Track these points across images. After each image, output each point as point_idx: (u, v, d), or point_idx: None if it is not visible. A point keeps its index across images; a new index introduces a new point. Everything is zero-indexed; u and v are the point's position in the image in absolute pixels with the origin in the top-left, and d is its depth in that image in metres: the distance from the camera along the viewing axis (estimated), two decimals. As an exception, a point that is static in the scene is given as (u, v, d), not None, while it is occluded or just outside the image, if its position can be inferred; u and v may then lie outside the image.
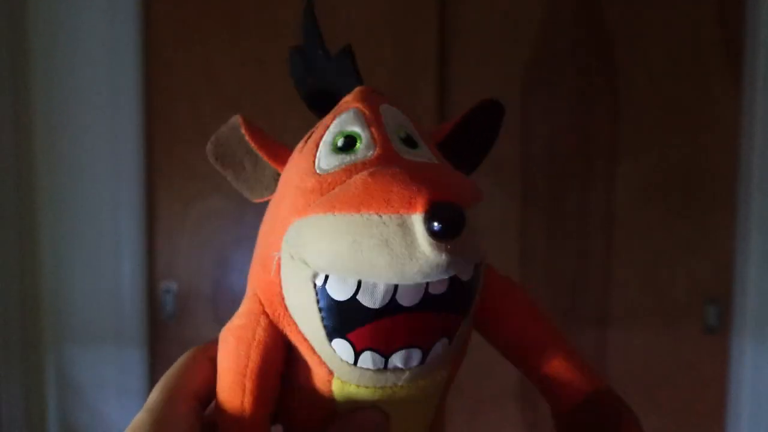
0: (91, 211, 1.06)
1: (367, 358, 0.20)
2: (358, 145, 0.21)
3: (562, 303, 1.08)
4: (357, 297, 0.19)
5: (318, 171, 0.21)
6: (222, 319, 0.23)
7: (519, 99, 1.06)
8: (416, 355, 0.20)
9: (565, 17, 1.06)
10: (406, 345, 0.20)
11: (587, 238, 1.08)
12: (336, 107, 0.24)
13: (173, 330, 1.08)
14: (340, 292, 0.19)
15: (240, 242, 1.07)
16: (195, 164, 1.05)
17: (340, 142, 0.22)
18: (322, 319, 0.20)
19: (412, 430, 0.24)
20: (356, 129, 0.22)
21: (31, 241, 1.06)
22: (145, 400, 0.22)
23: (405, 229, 0.18)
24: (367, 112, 0.22)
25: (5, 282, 1.03)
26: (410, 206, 0.18)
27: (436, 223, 0.17)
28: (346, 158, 0.21)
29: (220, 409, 0.22)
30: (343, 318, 0.20)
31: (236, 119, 0.25)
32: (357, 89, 0.24)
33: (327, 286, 0.19)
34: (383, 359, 0.20)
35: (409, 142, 0.22)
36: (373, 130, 0.22)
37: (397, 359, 0.20)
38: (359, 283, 0.19)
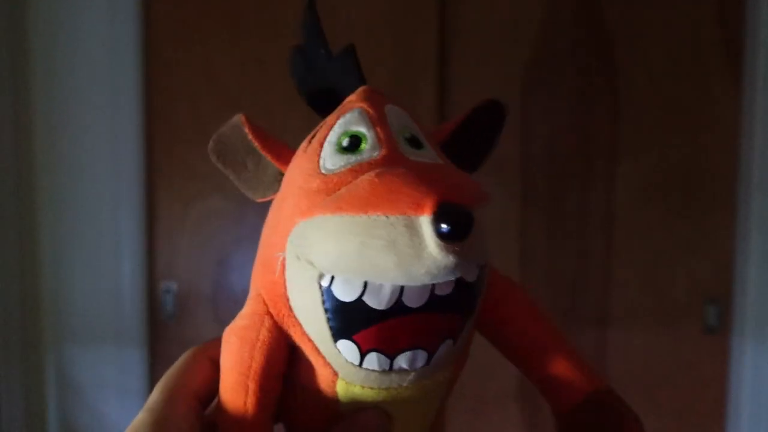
0: (91, 211, 1.06)
1: (372, 359, 0.20)
2: (363, 145, 0.21)
3: (562, 303, 1.08)
4: (363, 298, 0.19)
5: (323, 171, 0.21)
6: (222, 319, 0.23)
7: (519, 99, 1.06)
8: (421, 356, 0.20)
9: (565, 17, 1.06)
10: (411, 346, 0.20)
11: (587, 238, 1.08)
12: (340, 107, 0.24)
13: (173, 330, 1.08)
14: (346, 293, 0.19)
15: (240, 242, 1.06)
16: (195, 164, 1.05)
17: (345, 142, 0.22)
18: (328, 320, 0.20)
19: (413, 430, 0.24)
20: (361, 129, 0.22)
21: (31, 241, 1.06)
22: (145, 400, 0.22)
23: (412, 230, 0.17)
24: (371, 112, 0.22)
25: (5, 282, 1.03)
26: (418, 208, 0.17)
27: (444, 225, 0.17)
28: (352, 158, 0.21)
29: (222, 410, 0.22)
30: (348, 319, 0.19)
31: (239, 118, 0.24)
32: (361, 89, 0.24)
33: (333, 287, 0.19)
34: (389, 360, 0.20)
35: (414, 142, 0.22)
36: (378, 130, 0.22)
37: (402, 360, 0.20)
38: (365, 285, 0.19)
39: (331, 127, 0.22)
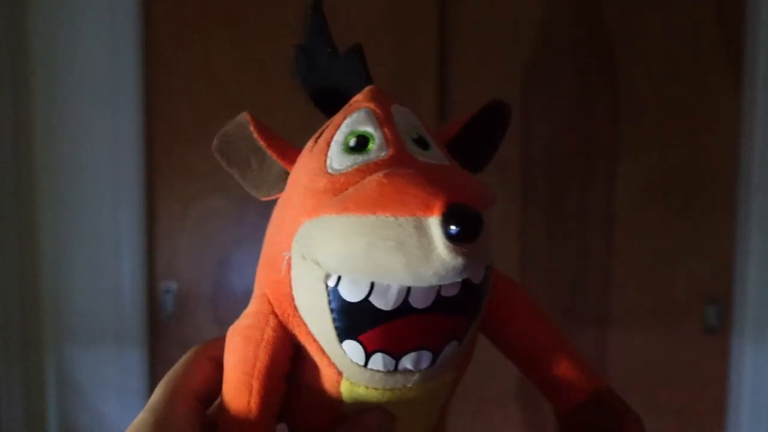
0: (91, 211, 1.06)
1: (377, 360, 0.20)
2: (370, 145, 0.21)
3: (562, 303, 1.08)
4: (370, 299, 0.19)
5: (330, 171, 0.21)
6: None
7: (519, 99, 1.06)
8: (426, 357, 0.20)
9: (565, 17, 1.06)
10: (416, 347, 0.20)
11: (587, 238, 1.08)
12: (346, 106, 0.23)
13: (173, 330, 1.08)
14: (352, 293, 0.19)
15: (240, 242, 1.06)
16: (195, 164, 1.05)
17: (352, 142, 0.21)
18: (334, 320, 0.20)
19: (417, 431, 0.24)
20: (368, 129, 0.22)
21: (31, 241, 1.06)
22: (145, 400, 0.22)
23: (421, 231, 0.17)
24: (379, 112, 0.22)
25: (5, 282, 1.03)
26: (427, 209, 0.17)
27: (453, 227, 0.17)
28: (359, 158, 0.21)
29: (225, 409, 0.22)
30: (354, 319, 0.19)
31: (244, 116, 0.24)
32: (368, 89, 0.24)
33: (339, 288, 0.19)
34: (394, 361, 0.20)
35: (421, 143, 0.22)
36: (385, 130, 0.22)
37: (407, 361, 0.20)
38: (372, 285, 0.19)
39: (337, 127, 0.22)
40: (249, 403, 0.21)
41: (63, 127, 1.05)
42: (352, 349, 0.20)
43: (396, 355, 0.20)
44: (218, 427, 0.23)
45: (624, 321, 1.08)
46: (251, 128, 0.24)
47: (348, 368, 0.21)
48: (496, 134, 0.26)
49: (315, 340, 0.21)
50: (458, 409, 1.07)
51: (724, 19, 1.05)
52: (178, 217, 1.07)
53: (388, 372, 0.20)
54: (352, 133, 0.22)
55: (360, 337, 0.20)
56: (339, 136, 0.22)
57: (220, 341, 0.23)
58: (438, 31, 1.04)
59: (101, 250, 1.06)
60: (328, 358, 0.21)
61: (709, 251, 1.08)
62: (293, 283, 0.21)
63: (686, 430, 1.09)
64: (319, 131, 0.23)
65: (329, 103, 0.25)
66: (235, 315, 0.23)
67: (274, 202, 0.25)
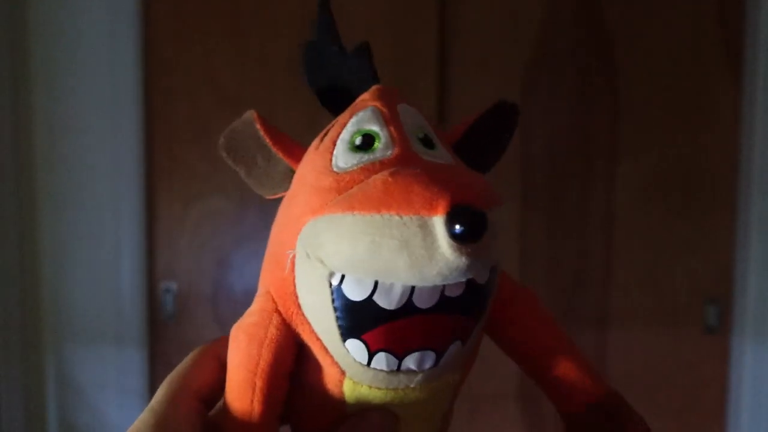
0: (91, 211, 1.06)
1: (380, 359, 0.20)
2: (376, 144, 0.21)
3: (562, 303, 1.08)
4: (373, 298, 0.19)
5: (335, 169, 0.21)
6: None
7: (519, 99, 1.05)
8: (430, 357, 0.20)
9: (565, 17, 1.06)
10: (420, 347, 0.20)
11: (587, 238, 1.08)
12: (353, 105, 0.23)
13: (173, 330, 1.08)
14: (356, 292, 0.19)
15: (240, 242, 1.06)
16: (195, 164, 1.05)
17: (358, 141, 0.21)
18: (337, 318, 0.20)
19: None
20: (375, 128, 0.22)
21: (31, 241, 1.06)
22: (145, 400, 0.22)
23: (425, 230, 0.17)
24: (385, 111, 0.22)
25: (5, 282, 1.03)
26: (431, 208, 0.17)
27: (458, 226, 0.17)
28: (365, 157, 0.21)
29: (228, 407, 0.22)
30: (358, 318, 0.19)
31: (251, 114, 0.24)
32: (374, 87, 0.24)
33: (343, 286, 0.19)
34: (397, 361, 0.20)
35: (427, 142, 0.22)
36: (391, 129, 0.22)
37: (410, 361, 0.20)
38: (376, 284, 0.19)
39: (344, 126, 0.22)
40: (252, 401, 0.21)
41: (63, 127, 1.05)
42: (356, 348, 0.20)
43: (399, 355, 0.20)
44: (221, 427, 0.22)
45: (624, 321, 1.08)
46: (258, 126, 0.24)
47: (351, 367, 0.21)
48: (504, 135, 0.26)
49: (318, 339, 0.21)
50: (457, 408, 1.06)
51: (724, 19, 1.05)
52: (178, 217, 1.07)
53: (391, 372, 0.20)
54: (358, 131, 0.22)
55: (363, 336, 0.20)
56: (345, 135, 0.22)
57: (225, 340, 0.23)
58: (438, 31, 1.04)
59: (101, 250, 1.06)
60: (331, 357, 0.21)
61: (709, 251, 1.08)
62: (297, 281, 0.21)
63: (686, 430, 1.09)
64: (325, 130, 0.23)
65: (335, 101, 0.25)
66: (235, 315, 0.23)
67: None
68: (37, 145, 1.05)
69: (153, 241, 1.08)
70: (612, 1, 1.05)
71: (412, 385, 0.21)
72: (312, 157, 0.22)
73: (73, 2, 1.04)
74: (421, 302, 0.19)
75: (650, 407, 1.08)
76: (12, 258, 1.03)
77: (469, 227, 0.17)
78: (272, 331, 0.21)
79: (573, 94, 1.07)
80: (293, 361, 0.22)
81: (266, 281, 0.23)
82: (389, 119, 0.22)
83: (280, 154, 0.24)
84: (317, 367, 0.22)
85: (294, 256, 0.21)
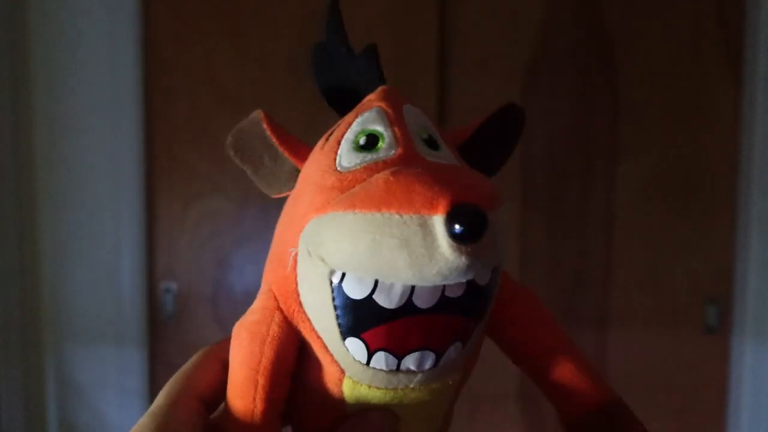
0: (91, 211, 1.06)
1: (380, 359, 0.20)
2: (380, 144, 0.21)
3: (562, 303, 1.08)
4: (373, 296, 0.19)
5: (339, 168, 0.21)
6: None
7: (519, 99, 1.06)
8: (429, 357, 0.20)
9: (565, 17, 1.06)
10: (420, 347, 0.20)
11: (587, 238, 1.08)
12: (358, 105, 0.24)
13: (173, 330, 1.08)
14: (356, 290, 0.19)
15: (240, 242, 1.06)
16: (195, 164, 1.05)
17: (362, 141, 0.22)
18: (337, 317, 0.20)
19: None
20: (379, 128, 0.22)
21: (31, 241, 1.06)
22: (145, 399, 0.22)
23: (426, 229, 0.17)
24: (390, 112, 0.22)
25: (5, 282, 1.03)
26: (432, 207, 0.17)
27: (457, 225, 0.17)
28: (368, 157, 0.21)
29: (230, 406, 0.22)
30: (358, 317, 0.19)
31: (257, 114, 0.24)
32: (380, 88, 0.24)
33: (343, 284, 0.19)
34: (396, 360, 0.20)
35: (431, 143, 0.22)
36: (395, 129, 0.22)
37: (410, 361, 0.20)
38: (376, 283, 0.19)
39: (349, 125, 0.22)
40: (254, 399, 0.21)
41: (63, 127, 1.05)
42: (355, 346, 0.20)
43: (399, 355, 0.20)
44: (223, 427, 0.22)
45: (624, 321, 1.08)
46: (265, 126, 0.24)
47: (351, 366, 0.21)
48: (509, 139, 0.26)
49: (318, 337, 0.21)
50: (457, 408, 1.07)
51: (724, 19, 1.05)
52: (178, 217, 1.07)
53: (390, 371, 0.20)
54: (362, 131, 0.22)
55: (363, 335, 0.20)
56: (349, 135, 0.22)
57: (227, 342, 0.23)
58: (438, 31, 1.04)
59: (101, 251, 1.06)
60: (330, 355, 0.21)
61: (709, 251, 1.08)
62: (299, 279, 0.21)
63: (686, 430, 1.09)
64: (331, 129, 0.23)
65: (342, 102, 0.25)
66: (235, 315, 0.23)
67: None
68: (37, 145, 1.05)
69: (153, 241, 1.08)
70: (612, 1, 1.05)
71: (411, 386, 0.21)
72: (317, 156, 0.23)
73: (73, 2, 1.04)
74: (421, 302, 0.19)
75: (650, 407, 1.09)
76: (12, 258, 1.03)
77: (469, 227, 0.17)
78: (274, 329, 0.21)
79: (573, 94, 1.07)
80: (295, 359, 0.22)
81: (269, 279, 0.23)
82: (394, 120, 0.22)
83: (286, 154, 0.24)
84: (317, 366, 0.22)
85: (296, 254, 0.21)
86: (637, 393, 1.07)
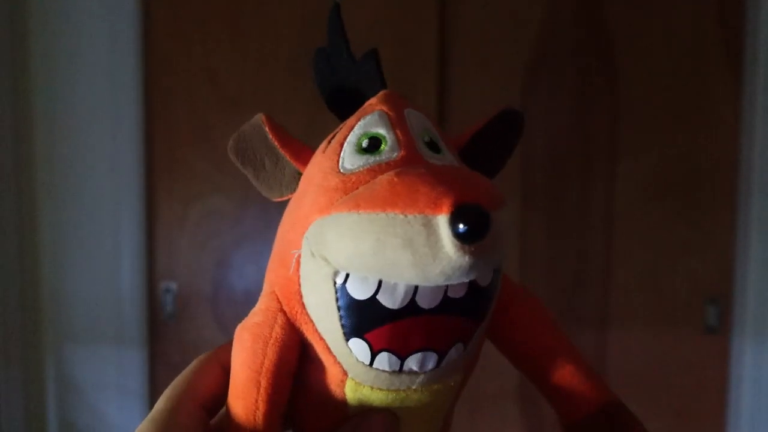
0: (91, 211, 1.06)
1: (383, 360, 0.20)
2: (382, 146, 0.21)
3: (562, 303, 1.08)
4: (377, 297, 0.19)
5: (342, 170, 0.21)
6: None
7: (519, 99, 1.06)
8: (432, 358, 0.20)
9: (565, 17, 1.06)
10: (422, 348, 0.20)
11: (587, 239, 1.08)
12: (360, 109, 0.24)
13: (173, 330, 1.08)
14: (360, 291, 0.19)
15: (240, 242, 1.06)
16: (195, 164, 1.05)
17: (364, 143, 0.22)
18: (341, 317, 0.20)
19: None
20: (381, 131, 0.22)
21: (31, 241, 1.06)
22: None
23: (429, 229, 0.17)
24: (392, 115, 0.22)
25: (5, 282, 1.03)
26: (436, 207, 0.17)
27: (461, 225, 0.17)
28: (371, 159, 0.21)
29: (232, 408, 0.22)
30: (361, 317, 0.19)
31: (259, 117, 0.24)
32: (382, 92, 0.24)
33: (347, 285, 0.19)
34: (399, 361, 0.20)
35: (433, 146, 0.22)
36: (398, 132, 0.22)
37: (412, 362, 0.20)
38: (380, 283, 0.19)
39: (351, 128, 0.23)
40: (257, 400, 0.21)
41: (63, 127, 1.05)
42: (358, 347, 0.20)
43: (402, 355, 0.20)
44: (224, 428, 0.22)
45: (624, 321, 1.08)
46: (266, 129, 0.24)
47: (353, 367, 0.21)
48: (509, 142, 0.26)
49: (321, 339, 0.21)
50: (458, 408, 1.07)
51: (724, 19, 1.05)
52: (178, 217, 1.07)
53: (393, 372, 0.20)
54: (365, 134, 0.22)
55: (366, 336, 0.20)
56: (352, 138, 0.22)
57: (228, 346, 0.23)
58: (438, 31, 1.04)
59: (101, 250, 1.06)
60: (333, 356, 0.21)
61: (709, 251, 1.08)
62: (302, 280, 0.21)
63: (686, 430, 1.09)
64: (333, 133, 0.24)
65: (344, 106, 0.25)
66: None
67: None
68: (37, 145, 1.05)
69: (153, 241, 1.08)
70: (612, 1, 1.05)
71: (413, 387, 0.21)
72: (319, 159, 0.23)
73: (73, 2, 1.04)
74: (424, 302, 0.19)
75: (650, 407, 1.09)
76: (12, 258, 1.03)
77: (473, 226, 0.17)
78: (277, 331, 0.21)
79: (573, 94, 1.07)
80: (297, 361, 0.22)
81: (271, 281, 0.23)
82: (396, 122, 0.22)
83: (288, 157, 0.24)
84: (320, 368, 0.22)
85: (299, 256, 0.21)
86: (637, 393, 1.07)
